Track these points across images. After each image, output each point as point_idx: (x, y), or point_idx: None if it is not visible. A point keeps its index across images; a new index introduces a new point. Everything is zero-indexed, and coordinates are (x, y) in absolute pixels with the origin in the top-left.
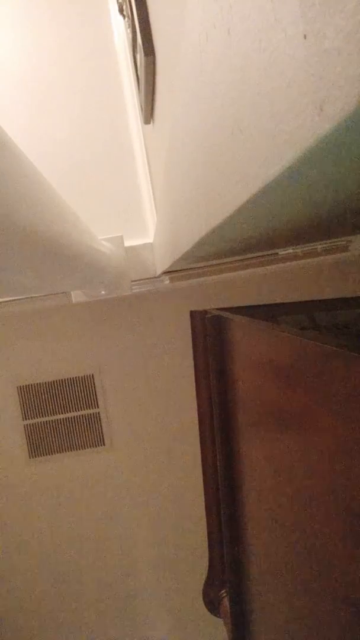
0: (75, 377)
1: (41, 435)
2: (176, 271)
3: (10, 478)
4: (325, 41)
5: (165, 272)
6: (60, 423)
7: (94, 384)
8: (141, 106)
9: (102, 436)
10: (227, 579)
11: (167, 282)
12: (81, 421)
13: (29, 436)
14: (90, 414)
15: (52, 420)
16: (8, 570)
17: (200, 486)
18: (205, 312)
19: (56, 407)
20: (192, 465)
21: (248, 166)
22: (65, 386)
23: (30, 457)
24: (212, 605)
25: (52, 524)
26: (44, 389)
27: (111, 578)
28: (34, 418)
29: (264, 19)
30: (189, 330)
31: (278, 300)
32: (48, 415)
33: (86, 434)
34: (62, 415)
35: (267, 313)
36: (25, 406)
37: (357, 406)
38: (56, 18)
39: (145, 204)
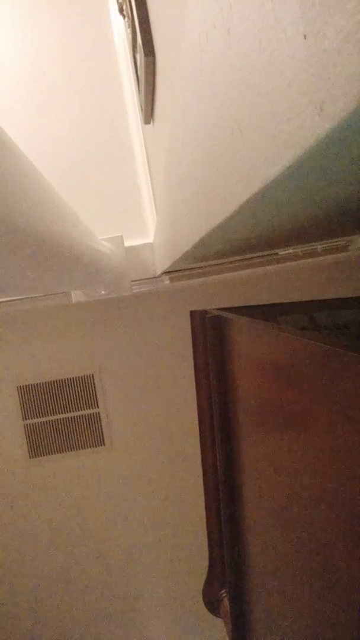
0: (75, 377)
1: (41, 435)
2: (176, 271)
3: (10, 478)
4: (325, 41)
5: (165, 272)
6: (60, 423)
7: (94, 384)
8: (141, 106)
9: (102, 436)
10: (227, 579)
11: (167, 282)
12: (81, 421)
13: (29, 436)
14: (90, 414)
15: (52, 420)
16: (8, 570)
17: (200, 486)
18: (205, 312)
19: (56, 407)
20: (192, 465)
21: (248, 166)
22: (65, 386)
23: (30, 457)
24: (212, 605)
25: (52, 524)
26: (44, 389)
27: (111, 578)
28: (34, 418)
29: (264, 19)
30: (189, 330)
31: (278, 300)
32: (48, 415)
33: (86, 434)
34: (62, 415)
35: (267, 313)
36: (25, 406)
37: (357, 406)
38: (56, 18)
39: (145, 204)
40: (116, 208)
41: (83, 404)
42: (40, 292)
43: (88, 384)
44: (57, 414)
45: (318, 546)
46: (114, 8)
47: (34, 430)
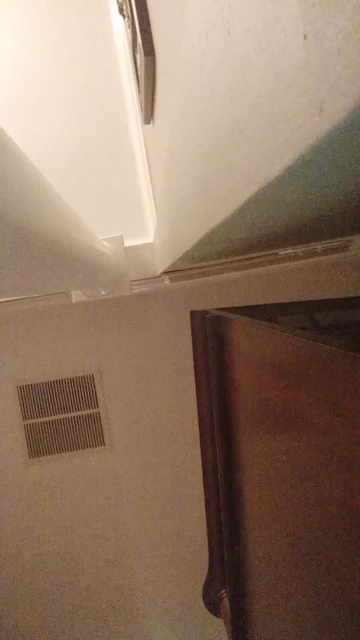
0: (75, 377)
1: (41, 435)
2: (176, 271)
3: (10, 478)
4: (325, 41)
5: (165, 272)
6: (60, 423)
7: (94, 384)
8: (141, 106)
9: (102, 436)
10: (227, 579)
11: (167, 282)
12: (81, 421)
13: (29, 436)
14: (90, 414)
15: (52, 420)
16: (7, 571)
17: (200, 486)
18: (205, 312)
19: (56, 407)
20: (192, 465)
21: (248, 166)
22: (65, 386)
23: (30, 457)
24: (212, 605)
25: (52, 524)
26: (44, 389)
27: (111, 578)
28: (34, 418)
29: (264, 19)
30: (189, 330)
31: (278, 300)
32: (48, 415)
33: (86, 434)
34: (62, 415)
35: (267, 313)
36: (25, 406)
37: (357, 406)
38: (56, 18)
39: (145, 204)
40: (116, 208)
41: (83, 404)
42: (40, 292)
43: (88, 384)
44: (57, 414)
45: (318, 546)
46: (114, 8)
47: (34, 430)
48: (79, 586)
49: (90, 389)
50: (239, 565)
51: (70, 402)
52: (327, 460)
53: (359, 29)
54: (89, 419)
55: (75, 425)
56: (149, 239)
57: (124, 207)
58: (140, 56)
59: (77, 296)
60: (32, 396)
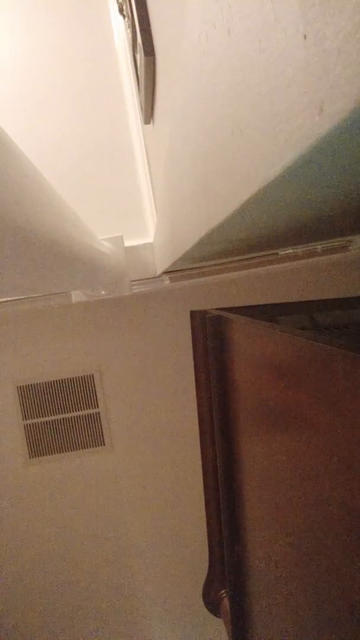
0: (75, 377)
1: (41, 435)
2: (176, 271)
3: (10, 478)
4: (325, 41)
5: (165, 272)
6: (60, 423)
7: (94, 384)
8: (141, 106)
9: (102, 436)
10: (227, 579)
11: (167, 282)
12: (81, 421)
13: (29, 436)
14: (90, 414)
15: (52, 420)
16: (7, 570)
17: (200, 486)
18: (205, 312)
19: (56, 407)
20: (192, 465)
21: (248, 166)
22: (65, 386)
23: (30, 457)
24: (212, 605)
25: (52, 524)
26: (44, 389)
27: (111, 578)
28: (34, 418)
29: (264, 19)
30: (189, 330)
31: (278, 300)
32: (48, 415)
33: (86, 434)
34: (62, 415)
35: (267, 313)
36: (25, 406)
37: (357, 406)
38: (56, 18)
39: (145, 204)
40: (116, 208)
41: (83, 404)
42: (40, 292)
43: (88, 384)
44: (57, 414)
45: (318, 546)
46: (114, 8)
47: (34, 430)
48: (79, 586)
49: (90, 389)
50: (239, 565)
51: (70, 402)
52: (327, 460)
53: (359, 29)
54: (89, 419)
55: (75, 425)
56: (149, 239)
57: (124, 207)
58: (140, 56)
59: (77, 296)
60: (32, 396)
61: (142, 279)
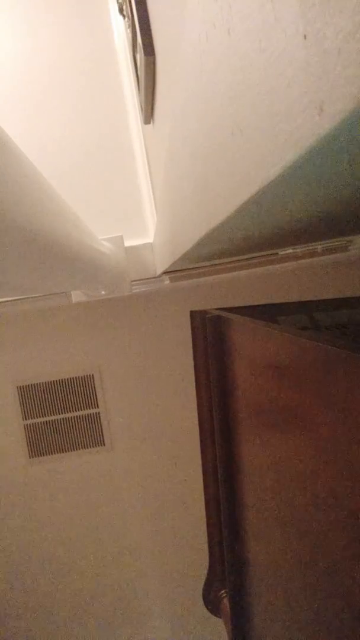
0: (75, 377)
1: (41, 435)
2: (176, 271)
3: (10, 478)
4: (325, 41)
5: (165, 272)
6: (60, 423)
7: (94, 384)
8: (141, 106)
9: (102, 436)
10: (227, 579)
11: (167, 282)
12: (81, 421)
13: (29, 436)
14: (90, 414)
15: (52, 420)
16: (7, 571)
17: (200, 486)
18: (205, 312)
19: (56, 407)
20: (192, 466)
21: (248, 166)
22: (65, 386)
23: (30, 457)
24: (212, 605)
25: (51, 524)
26: (44, 389)
27: (111, 578)
28: (34, 418)
29: (264, 19)
30: (189, 330)
31: (278, 300)
32: (48, 415)
33: (86, 434)
34: (62, 415)
35: (267, 313)
36: (25, 406)
37: (357, 406)
38: (56, 18)
39: (145, 204)
40: (116, 208)
41: (83, 404)
42: (40, 292)
43: (88, 384)
44: (57, 414)
45: (318, 546)
46: (114, 8)
47: (34, 430)
48: (78, 586)
49: (90, 389)
50: (239, 565)
51: (70, 402)
52: (327, 460)
53: (359, 29)
54: (89, 419)
55: (75, 425)
56: (149, 239)
57: (124, 207)
58: (140, 56)
59: (77, 296)
60: (32, 396)
61: (142, 279)
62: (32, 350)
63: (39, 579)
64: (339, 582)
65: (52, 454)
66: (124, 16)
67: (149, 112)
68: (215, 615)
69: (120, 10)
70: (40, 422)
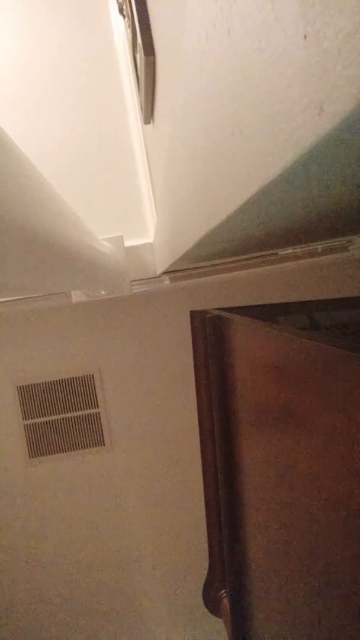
0: (75, 377)
1: (41, 435)
2: (176, 271)
3: (10, 478)
4: (325, 41)
5: (165, 272)
6: (60, 423)
7: (94, 384)
8: (141, 106)
9: (102, 436)
10: (227, 579)
11: (167, 282)
12: (81, 421)
13: (29, 436)
14: (90, 414)
15: (52, 420)
16: (7, 571)
17: (200, 486)
18: (205, 312)
19: (56, 407)
20: (192, 465)
21: (248, 166)
22: (65, 386)
23: (30, 457)
24: (212, 605)
25: (51, 524)
26: (44, 389)
27: (111, 578)
28: (34, 418)
29: (264, 19)
30: (189, 330)
31: (278, 300)
32: (48, 415)
33: (86, 434)
34: (62, 415)
35: (267, 313)
36: (25, 406)
37: (357, 406)
38: (56, 18)
39: (145, 204)
40: (116, 208)
41: (83, 404)
42: (40, 292)
43: (88, 384)
44: (57, 414)
45: (318, 546)
46: (114, 8)
47: (34, 430)
48: (79, 586)
49: (90, 389)
50: (239, 565)
51: (70, 402)
52: (327, 460)
53: (359, 29)
54: (89, 419)
55: (75, 425)
56: (149, 239)
57: (124, 207)
58: (140, 56)
59: (77, 296)
60: (32, 396)
61: (142, 279)
62: (32, 350)
63: (39, 579)
64: (339, 582)
65: (52, 454)
66: (124, 16)
67: (149, 112)
68: (215, 615)
69: (120, 10)
70: (40, 422)
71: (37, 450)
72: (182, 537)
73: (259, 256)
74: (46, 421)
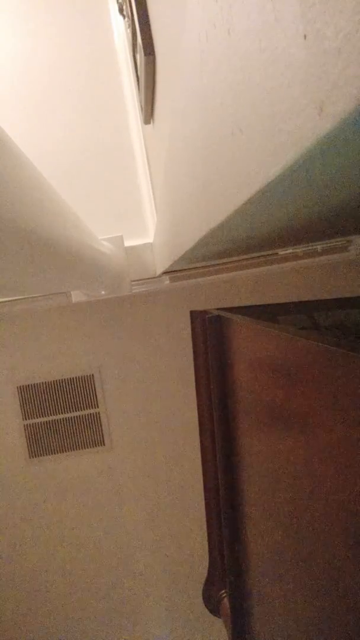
0: (75, 377)
1: (41, 435)
2: (176, 271)
3: (10, 478)
4: (325, 41)
5: (165, 272)
6: (60, 423)
7: (94, 384)
8: (141, 106)
9: (102, 436)
10: (227, 579)
11: (167, 282)
12: (81, 421)
13: (29, 436)
14: (90, 414)
15: (52, 420)
16: (8, 571)
17: (200, 486)
18: (205, 312)
19: (56, 407)
20: (192, 465)
21: (248, 166)
22: (65, 386)
23: (30, 457)
24: (212, 605)
25: (51, 523)
26: (44, 389)
27: (111, 578)
28: (34, 418)
29: (264, 19)
30: (189, 330)
31: (278, 300)
32: (48, 415)
33: (86, 434)
34: (62, 415)
35: (267, 313)
36: (25, 406)
37: (357, 406)
38: (56, 18)
39: (145, 204)
40: (116, 208)
41: (83, 404)
42: (40, 292)
43: (88, 384)
44: (57, 414)
45: (318, 546)
46: (114, 8)
47: (34, 430)
48: (79, 586)
49: (90, 389)
50: (239, 565)
51: (70, 402)
52: (327, 460)
53: (359, 29)
54: (89, 419)
55: (75, 425)
56: (149, 239)
57: (124, 207)
58: (140, 56)
59: (77, 296)
60: (32, 396)
61: (142, 279)
62: (32, 350)
63: (39, 579)
64: (338, 582)
65: (52, 454)
66: (124, 16)
67: (149, 112)
68: (215, 615)
69: (120, 10)
70: (40, 422)
71: (37, 450)
72: (182, 537)
73: (259, 256)
74: (46, 421)
